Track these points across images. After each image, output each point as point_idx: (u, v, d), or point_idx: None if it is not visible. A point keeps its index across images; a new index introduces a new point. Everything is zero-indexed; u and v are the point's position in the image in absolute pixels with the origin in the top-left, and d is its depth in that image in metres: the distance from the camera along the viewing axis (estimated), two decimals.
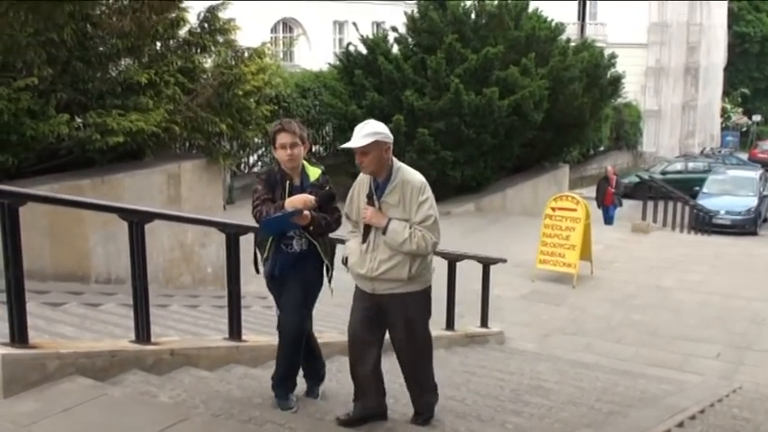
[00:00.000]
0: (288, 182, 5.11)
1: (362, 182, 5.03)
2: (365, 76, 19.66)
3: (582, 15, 45.06)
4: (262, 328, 7.55)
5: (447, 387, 6.37)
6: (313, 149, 22.25)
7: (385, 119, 18.53)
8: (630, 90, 32.66)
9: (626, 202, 28.67)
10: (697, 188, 28.12)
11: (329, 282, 5.30)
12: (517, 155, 21.48)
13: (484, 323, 10.09)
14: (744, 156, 48.95)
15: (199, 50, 10.71)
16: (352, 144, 4.80)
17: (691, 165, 35.55)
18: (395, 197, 4.87)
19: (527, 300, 12.49)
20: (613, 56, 23.34)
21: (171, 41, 10.47)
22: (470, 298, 10.07)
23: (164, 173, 10.15)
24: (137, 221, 5.49)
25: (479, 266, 9.89)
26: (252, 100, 10.98)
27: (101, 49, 9.72)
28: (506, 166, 21.73)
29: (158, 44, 10.31)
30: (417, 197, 4.84)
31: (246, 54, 10.80)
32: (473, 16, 20.79)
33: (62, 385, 4.70)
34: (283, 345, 5.20)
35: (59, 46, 8.93)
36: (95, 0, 9.32)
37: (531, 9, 22.19)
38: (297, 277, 5.14)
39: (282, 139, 5.06)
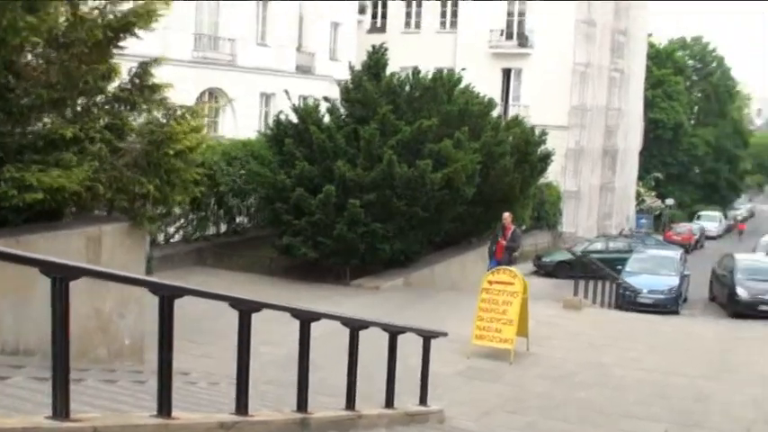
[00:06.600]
0: None
1: None
2: (296, 146, 19.26)
3: (505, 97, 46.00)
4: (189, 405, 6.87)
5: None
6: (237, 220, 21.66)
7: (315, 189, 18.24)
8: (551, 170, 33.16)
9: (549, 282, 28.75)
10: (619, 267, 28.38)
11: None
12: (446, 229, 21.29)
13: (423, 401, 9.54)
14: (659, 237, 50.53)
15: (128, 107, 10.14)
16: None
17: (611, 245, 36.11)
18: None
19: (463, 376, 12.00)
20: (544, 132, 23.67)
21: (98, 97, 9.89)
22: (405, 375, 9.50)
23: (83, 236, 9.42)
24: (61, 277, 4.83)
25: (413, 341, 9.36)
26: (181, 161, 10.42)
27: (24, 100, 9.08)
28: (435, 240, 21.49)
29: (85, 99, 9.73)
30: None
31: (179, 112, 10.27)
32: (407, 88, 20.76)
33: None
34: None
35: None
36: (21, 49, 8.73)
37: (463, 85, 22.35)
38: None
39: None
